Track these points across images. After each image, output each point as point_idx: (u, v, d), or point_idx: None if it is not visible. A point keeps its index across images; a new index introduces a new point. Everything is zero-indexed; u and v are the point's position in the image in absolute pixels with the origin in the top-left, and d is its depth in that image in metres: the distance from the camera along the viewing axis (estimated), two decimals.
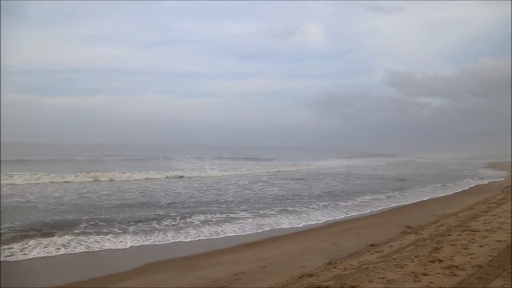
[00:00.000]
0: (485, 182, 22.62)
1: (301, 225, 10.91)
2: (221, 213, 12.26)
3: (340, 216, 12.21)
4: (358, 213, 12.73)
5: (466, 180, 24.34)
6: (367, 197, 16.22)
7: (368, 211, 13.01)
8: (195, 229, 10.15)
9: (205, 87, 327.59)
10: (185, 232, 9.82)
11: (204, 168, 32.01)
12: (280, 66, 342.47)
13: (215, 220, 11.20)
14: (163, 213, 11.97)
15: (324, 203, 14.47)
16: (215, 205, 13.82)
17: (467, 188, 19.71)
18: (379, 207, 13.87)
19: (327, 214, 12.56)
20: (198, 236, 9.52)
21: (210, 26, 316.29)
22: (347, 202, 14.91)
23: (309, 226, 10.75)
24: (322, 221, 11.32)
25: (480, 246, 6.26)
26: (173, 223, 10.75)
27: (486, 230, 7.51)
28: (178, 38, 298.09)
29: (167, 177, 24.08)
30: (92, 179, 21.67)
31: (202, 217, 11.43)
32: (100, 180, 21.67)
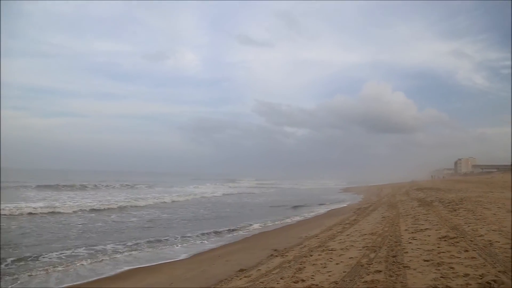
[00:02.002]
0: (342, 205, 25.22)
1: (170, 255, 10.38)
2: (82, 247, 11.06)
3: (210, 243, 12.02)
4: (227, 240, 12.72)
5: (326, 203, 26.82)
6: (236, 224, 16.30)
7: (237, 237, 13.09)
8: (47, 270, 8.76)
9: (69, 106, 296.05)
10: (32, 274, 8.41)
11: (62, 198, 28.42)
12: (153, 90, 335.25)
13: (68, 257, 9.81)
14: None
15: (193, 232, 14.06)
16: (69, 240, 12.23)
17: (327, 211, 21.63)
18: (248, 233, 14.12)
19: (196, 242, 12.26)
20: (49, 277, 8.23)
21: (76, 41, 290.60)
22: (217, 229, 14.72)
23: (178, 256, 10.27)
24: (191, 251, 10.92)
25: (336, 264, 6.75)
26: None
27: (341, 249, 8.20)
28: (38, 49, 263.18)
29: None
30: None
31: (53, 255, 9.95)
32: None
